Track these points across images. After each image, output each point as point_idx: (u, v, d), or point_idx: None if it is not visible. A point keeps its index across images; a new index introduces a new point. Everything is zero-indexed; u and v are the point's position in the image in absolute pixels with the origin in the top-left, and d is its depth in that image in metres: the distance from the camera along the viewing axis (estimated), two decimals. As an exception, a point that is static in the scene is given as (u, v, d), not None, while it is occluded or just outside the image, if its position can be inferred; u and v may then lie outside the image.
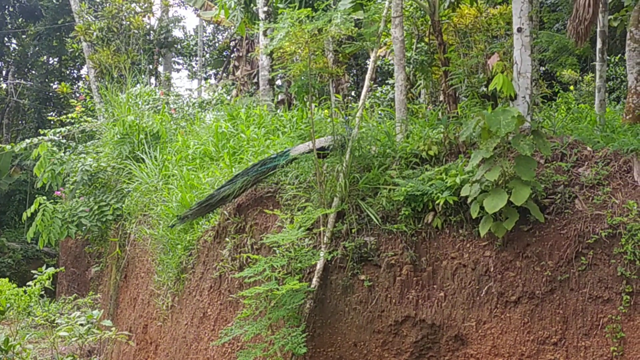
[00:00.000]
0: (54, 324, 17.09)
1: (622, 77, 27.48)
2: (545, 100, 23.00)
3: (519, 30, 12.27)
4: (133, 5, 34.45)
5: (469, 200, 10.58)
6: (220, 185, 14.09)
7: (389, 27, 14.85)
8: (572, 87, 30.78)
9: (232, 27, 29.01)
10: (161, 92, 27.46)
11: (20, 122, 50.53)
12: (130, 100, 23.63)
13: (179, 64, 53.82)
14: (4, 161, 37.60)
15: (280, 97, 28.18)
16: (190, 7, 43.73)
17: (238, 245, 13.29)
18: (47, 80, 51.27)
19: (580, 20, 14.06)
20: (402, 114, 14.15)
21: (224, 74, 42.41)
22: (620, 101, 26.18)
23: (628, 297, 9.58)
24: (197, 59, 52.25)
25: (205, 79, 50.48)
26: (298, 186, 12.74)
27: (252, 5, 18.91)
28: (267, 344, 11.14)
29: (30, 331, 20.35)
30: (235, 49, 37.63)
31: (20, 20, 50.64)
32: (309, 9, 12.61)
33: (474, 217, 10.52)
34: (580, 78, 31.82)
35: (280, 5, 16.47)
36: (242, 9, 18.34)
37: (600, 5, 16.75)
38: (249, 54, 34.70)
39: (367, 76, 13.73)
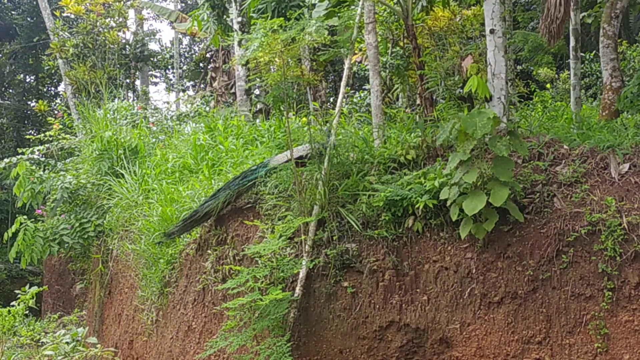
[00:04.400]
0: (40, 343, 17.04)
1: (597, 73, 27.58)
2: (522, 100, 23.07)
3: (492, 31, 12.31)
4: (108, 20, 34.36)
5: (449, 203, 10.59)
6: (204, 201, 14.08)
7: (363, 33, 14.88)
8: (548, 86, 30.90)
9: (208, 39, 29.00)
10: (139, 106, 27.42)
11: (-2, 141, 50.38)
12: (107, 115, 23.57)
13: (156, 77, 53.75)
14: (-17, 181, 37.49)
15: (258, 106, 28.18)
16: (165, 20, 43.66)
17: (220, 257, 13.28)
18: (24, 98, 51.07)
19: (552, 19, 14.12)
20: (379, 119, 14.16)
21: (202, 86, 42.37)
22: (597, 98, 26.26)
23: (610, 293, 9.61)
24: (174, 71, 52.19)
25: (183, 91, 50.40)
26: (278, 196, 12.73)
27: (225, 16, 18.91)
28: (252, 354, 11.14)
29: (17, 351, 20.21)
30: (211, 60, 37.56)
31: (-5, 39, 50.53)
32: (282, 18, 12.64)
33: (454, 219, 10.53)
34: (556, 76, 31.94)
35: (254, 15, 16.47)
36: (215, 21, 18.34)
37: (572, 4, 16.82)
38: (226, 65, 34.68)
39: (342, 83, 13.74)
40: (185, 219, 14.19)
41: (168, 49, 53.56)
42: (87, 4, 33.37)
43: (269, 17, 13.74)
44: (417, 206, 10.96)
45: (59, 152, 26.38)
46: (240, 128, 19.27)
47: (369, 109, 18.14)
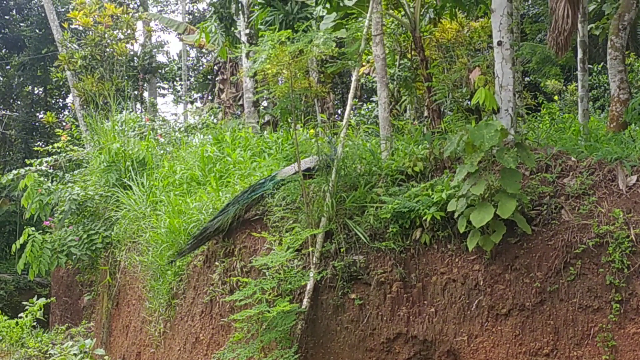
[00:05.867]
0: (48, 355, 17.05)
1: (605, 85, 27.56)
2: (530, 112, 23.06)
3: (499, 43, 12.31)
4: (116, 32, 34.42)
5: (456, 215, 10.59)
6: (213, 216, 14.07)
7: (371, 45, 14.90)
8: (556, 97, 30.87)
9: (216, 51, 29.05)
10: (147, 118, 27.46)
11: (7, 153, 50.33)
12: (115, 127, 23.59)
13: (164, 88, 53.86)
14: (-8, 193, 37.59)
15: (266, 118, 28.22)
16: (173, 32, 43.75)
17: (228, 269, 13.30)
18: (32, 110, 51.14)
19: (560, 31, 14.10)
20: (386, 131, 14.19)
21: (210, 98, 42.42)
22: (604, 109, 26.25)
23: (618, 305, 9.58)
24: (182, 83, 52.27)
25: (191, 102, 50.47)
26: (285, 208, 12.75)
27: (232, 28, 18.96)
28: (260, 366, 11.15)
29: (24, 363, 20.26)
30: (219, 72, 37.61)
31: (3, 51, 50.60)
32: (289, 30, 12.66)
33: (461, 231, 10.53)
34: (564, 88, 31.92)
35: (261, 27, 16.51)
36: (222, 33, 18.38)
37: (580, 16, 16.81)
38: (233, 77, 34.73)
39: (350, 95, 13.75)
40: (195, 235, 14.19)
41: (176, 61, 53.68)
42: (96, 16, 33.42)
43: (277, 29, 13.76)
44: (424, 218, 10.96)
45: (67, 164, 26.44)
46: (248, 140, 19.29)
47: (377, 120, 18.18)
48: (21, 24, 49.08)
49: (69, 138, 28.82)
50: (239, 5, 20.10)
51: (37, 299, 18.54)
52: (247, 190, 13.70)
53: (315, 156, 12.79)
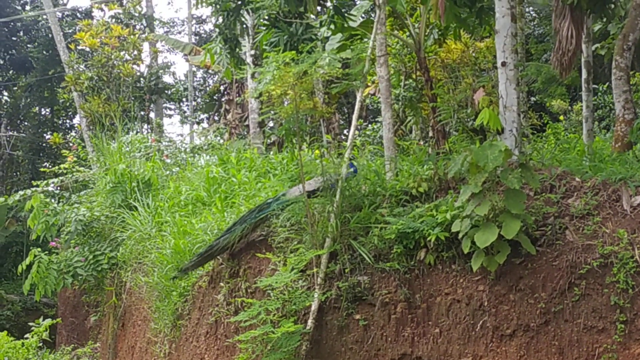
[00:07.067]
0: (53, 376, 17.04)
1: (610, 105, 27.54)
2: (535, 132, 23.07)
3: (503, 64, 12.35)
4: (122, 53, 34.54)
5: (460, 235, 10.59)
6: (220, 235, 14.08)
7: (376, 65, 14.94)
8: (561, 117, 30.90)
9: (222, 71, 29.14)
10: (153, 139, 27.53)
11: (14, 173, 50.51)
12: (122, 148, 23.68)
13: (170, 109, 53.98)
14: (-1, 213, 37.60)
15: (272, 139, 28.27)
16: (179, 52, 43.89)
17: (232, 290, 13.31)
18: (40, 131, 51.31)
19: (564, 51, 14.15)
20: (391, 152, 14.19)
21: (216, 118, 42.51)
22: (610, 129, 26.22)
23: (622, 325, 9.56)
24: (188, 103, 52.37)
25: (197, 123, 50.57)
26: (290, 228, 12.76)
27: (237, 49, 19.01)
28: (265, 387, 11.15)
29: (30, 384, 20.24)
30: (225, 93, 37.70)
31: (11, 72, 50.79)
32: (294, 51, 12.71)
33: (465, 252, 10.52)
34: (569, 108, 31.94)
35: (267, 48, 16.55)
36: (227, 54, 18.43)
37: (584, 36, 16.85)
38: (239, 98, 34.80)
39: (354, 116, 13.78)
40: (200, 253, 14.19)
41: (182, 82, 53.79)
42: (102, 37, 33.58)
43: (282, 50, 13.80)
44: (429, 239, 10.95)
45: (74, 185, 26.47)
46: (253, 161, 19.35)
47: (382, 141, 18.20)
48: (28, 45, 49.29)
49: (75, 159, 28.92)
50: (244, 26, 20.15)
51: (44, 320, 18.56)
52: (254, 210, 13.71)
53: (320, 177, 12.80)
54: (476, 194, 10.30)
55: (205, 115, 51.29)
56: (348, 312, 11.43)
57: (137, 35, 35.50)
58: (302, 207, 12.54)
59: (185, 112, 54.13)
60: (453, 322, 10.78)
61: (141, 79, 38.97)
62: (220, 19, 18.63)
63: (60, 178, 25.11)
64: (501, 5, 12.63)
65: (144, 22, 39.74)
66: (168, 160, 25.16)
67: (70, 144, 39.28)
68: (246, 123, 32.23)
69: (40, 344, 19.32)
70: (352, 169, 12.93)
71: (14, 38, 49.53)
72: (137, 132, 29.53)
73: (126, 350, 19.24)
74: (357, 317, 11.36)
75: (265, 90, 12.67)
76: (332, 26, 16.17)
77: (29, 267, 19.81)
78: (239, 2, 18.16)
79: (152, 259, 16.67)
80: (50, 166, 35.64)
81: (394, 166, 13.90)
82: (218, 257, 14.03)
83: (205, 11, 59.71)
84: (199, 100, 53.69)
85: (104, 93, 33.44)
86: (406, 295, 11.09)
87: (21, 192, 23.02)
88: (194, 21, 55.10)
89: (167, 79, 52.12)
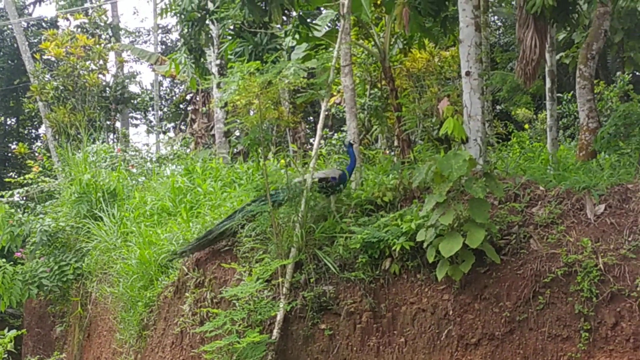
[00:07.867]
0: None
1: (575, 114, 27.62)
2: (500, 140, 23.15)
3: (467, 74, 12.42)
4: (88, 62, 34.38)
5: (425, 244, 10.61)
6: (220, 221, 14.00)
7: (341, 75, 14.94)
8: (527, 126, 31.00)
9: (188, 81, 29.04)
10: (118, 148, 27.41)
11: (-21, 184, 50.15)
12: (87, 158, 23.56)
13: (136, 119, 53.68)
14: (-36, 224, 37.28)
15: (237, 148, 28.20)
16: (145, 62, 43.67)
17: (198, 300, 13.27)
18: (5, 141, 50.94)
19: (528, 61, 14.18)
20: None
21: (182, 127, 42.37)
22: (574, 138, 26.37)
23: (587, 334, 9.61)
24: (155, 113, 52.14)
25: (164, 132, 50.34)
26: (255, 238, 12.74)
27: (202, 59, 18.93)
28: (230, 398, 11.11)
29: (-5, 397, 20.04)
30: (191, 102, 37.58)
31: (-25, 82, 50.49)
32: (259, 61, 12.68)
33: (430, 261, 10.55)
34: (534, 116, 32.07)
35: (232, 58, 16.51)
36: (192, 64, 18.35)
37: (547, 45, 16.94)
38: (205, 108, 34.72)
39: (319, 125, 13.76)
40: (199, 238, 14.06)
41: (148, 91, 53.56)
42: (68, 47, 33.41)
43: (246, 60, 13.77)
44: (394, 248, 10.97)
45: (39, 195, 26.30)
46: (219, 170, 19.32)
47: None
48: (-7, 55, 48.99)
49: (40, 169, 28.72)
50: (209, 36, 20.12)
51: (9, 331, 18.36)
52: (255, 200, 13.56)
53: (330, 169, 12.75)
54: (441, 203, 10.33)
55: (172, 124, 51.12)
56: (313, 322, 11.43)
57: (102, 45, 35.41)
58: (267, 217, 12.51)
59: (151, 121, 53.84)
60: (418, 331, 10.80)
61: (107, 88, 38.75)
62: (185, 29, 18.56)
63: (26, 188, 24.99)
64: (465, 15, 12.69)
65: (109, 31, 39.50)
66: (134, 170, 25.05)
67: (36, 154, 39.04)
68: (212, 133, 32.17)
69: (5, 355, 19.10)
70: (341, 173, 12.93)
71: (-22, 48, 49.24)
72: (102, 142, 29.32)
73: (91, 361, 19.14)
74: (323, 326, 11.36)
75: (230, 100, 12.65)
76: (297, 36, 16.15)
77: (-6, 277, 19.67)
78: (204, 12, 18.10)
79: (118, 270, 16.58)
80: (15, 176, 35.49)
81: (359, 176, 13.91)
82: (183, 267, 14.00)
83: (171, 20, 59.37)
84: (165, 109, 53.45)
85: (69, 103, 33.29)
86: (371, 304, 11.10)
87: (-15, 203, 22.84)
88: (159, 31, 54.85)
89: (133, 88, 51.83)
